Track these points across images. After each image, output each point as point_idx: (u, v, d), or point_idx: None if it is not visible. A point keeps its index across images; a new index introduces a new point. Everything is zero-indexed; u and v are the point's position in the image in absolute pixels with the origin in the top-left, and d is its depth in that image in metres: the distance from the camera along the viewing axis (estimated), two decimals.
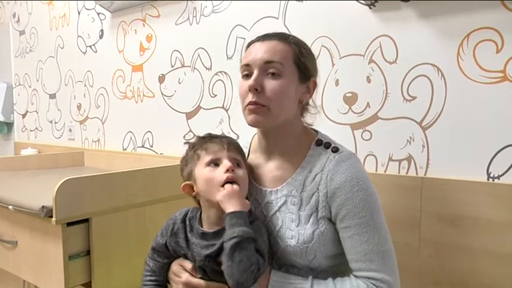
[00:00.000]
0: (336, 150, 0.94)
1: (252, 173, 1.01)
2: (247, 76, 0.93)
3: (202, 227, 0.92)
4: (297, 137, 0.97)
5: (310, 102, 1.00)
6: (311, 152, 0.95)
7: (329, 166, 0.90)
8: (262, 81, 0.90)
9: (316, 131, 1.01)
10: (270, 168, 0.98)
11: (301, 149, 0.96)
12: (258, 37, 0.96)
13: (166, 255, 0.98)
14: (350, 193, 0.87)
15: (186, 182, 0.94)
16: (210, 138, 0.95)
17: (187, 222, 0.95)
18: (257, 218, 0.93)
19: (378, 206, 0.89)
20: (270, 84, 0.89)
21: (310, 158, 0.94)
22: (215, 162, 0.90)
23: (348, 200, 0.87)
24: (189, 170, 0.94)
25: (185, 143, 1.00)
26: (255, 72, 0.90)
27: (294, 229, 0.90)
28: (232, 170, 0.88)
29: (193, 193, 0.93)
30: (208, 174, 0.89)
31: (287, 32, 1.21)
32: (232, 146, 0.93)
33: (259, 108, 0.90)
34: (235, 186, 0.86)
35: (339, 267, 0.94)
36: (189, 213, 0.97)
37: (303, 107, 0.99)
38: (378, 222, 0.88)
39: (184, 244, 0.93)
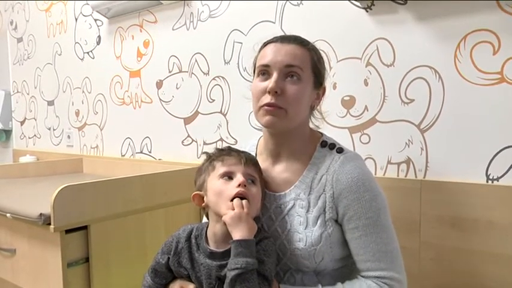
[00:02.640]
0: (340, 151, 0.94)
1: None
2: (263, 75, 0.92)
3: (208, 245, 0.89)
4: (303, 141, 0.98)
5: (319, 108, 1.01)
6: (316, 153, 0.96)
7: (334, 167, 0.91)
8: (282, 85, 0.90)
9: (321, 133, 1.02)
10: (277, 171, 0.98)
11: (306, 151, 0.97)
12: (275, 38, 0.95)
13: (165, 275, 0.95)
14: (357, 194, 0.87)
15: (197, 192, 0.93)
16: (228, 151, 0.93)
17: (193, 241, 0.91)
18: (269, 235, 0.90)
19: (384, 205, 0.90)
20: (290, 88, 0.89)
21: (316, 160, 0.95)
22: (229, 176, 0.88)
23: (354, 200, 0.87)
24: (202, 180, 0.92)
25: (203, 153, 0.98)
26: (275, 75, 0.90)
27: (302, 232, 0.90)
28: (245, 186, 0.85)
29: (203, 204, 0.91)
30: (220, 187, 0.87)
31: None
32: (249, 162, 0.91)
33: (277, 110, 0.89)
34: (245, 203, 0.83)
35: (343, 270, 0.94)
36: (194, 232, 0.93)
37: (311, 113, 1.00)
38: (384, 221, 0.88)
39: (189, 265, 0.90)
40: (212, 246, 0.88)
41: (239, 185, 0.85)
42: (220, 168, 0.89)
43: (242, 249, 0.78)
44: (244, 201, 0.83)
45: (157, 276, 0.96)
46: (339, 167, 0.90)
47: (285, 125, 0.91)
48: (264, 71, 0.92)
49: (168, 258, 0.93)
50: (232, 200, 0.83)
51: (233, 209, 0.82)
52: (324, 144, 0.97)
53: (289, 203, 0.93)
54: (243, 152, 0.94)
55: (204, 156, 0.98)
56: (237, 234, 0.80)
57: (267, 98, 0.89)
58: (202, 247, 0.89)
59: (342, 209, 0.89)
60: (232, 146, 0.98)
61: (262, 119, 0.92)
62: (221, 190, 0.86)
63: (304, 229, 0.90)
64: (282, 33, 1.43)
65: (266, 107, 0.90)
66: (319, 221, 0.89)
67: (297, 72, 0.90)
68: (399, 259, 0.89)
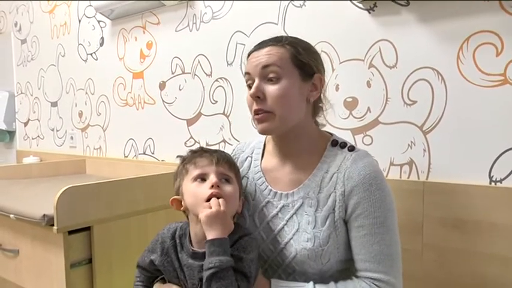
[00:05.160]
0: (352, 149, 0.94)
1: (268, 176, 1.00)
2: (250, 87, 0.93)
3: (192, 245, 0.90)
4: (311, 138, 0.97)
5: (323, 99, 0.98)
6: (327, 152, 0.95)
7: (346, 165, 0.90)
8: (263, 88, 0.90)
9: (331, 133, 1.01)
10: (286, 172, 0.97)
11: (316, 151, 0.96)
12: (254, 46, 0.96)
13: (150, 271, 0.96)
14: (367, 192, 0.87)
15: (174, 197, 0.93)
16: (200, 152, 0.93)
17: (178, 241, 0.92)
18: (249, 232, 0.90)
19: (392, 207, 0.89)
20: (270, 89, 0.89)
21: (326, 159, 0.94)
22: (202, 177, 0.88)
23: (364, 198, 0.87)
24: (178, 185, 0.93)
25: (177, 156, 0.98)
26: (256, 81, 0.91)
27: (310, 231, 0.89)
28: (218, 186, 0.85)
29: (182, 208, 0.91)
30: (194, 189, 0.87)
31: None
32: (222, 161, 0.91)
33: (266, 115, 0.90)
34: (221, 202, 0.83)
35: (347, 272, 0.92)
36: (177, 231, 0.93)
37: (315, 106, 0.97)
38: (391, 223, 0.88)
39: (177, 263, 0.90)
40: (195, 247, 0.89)
41: (212, 186, 0.85)
42: (193, 171, 0.89)
43: (215, 248, 0.79)
44: (221, 200, 0.83)
45: (141, 272, 0.97)
46: (350, 164, 0.89)
47: (279, 127, 0.91)
48: (249, 81, 0.94)
49: (151, 257, 0.94)
50: (208, 201, 0.84)
51: (210, 208, 0.82)
52: (334, 143, 0.96)
53: (297, 201, 0.92)
54: (216, 151, 0.94)
55: (179, 160, 0.97)
56: (211, 234, 0.80)
57: (255, 105, 0.91)
58: (186, 247, 0.90)
59: (351, 206, 0.88)
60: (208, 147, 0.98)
61: (257, 127, 0.93)
62: (196, 193, 0.87)
63: (313, 229, 0.89)
64: (285, 35, 1.44)
65: (256, 116, 0.91)
66: (328, 221, 0.89)
67: (274, 71, 0.89)
68: (399, 264, 0.88)
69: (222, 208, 0.82)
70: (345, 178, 0.89)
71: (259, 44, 0.95)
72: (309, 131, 0.97)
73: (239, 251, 0.83)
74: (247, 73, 0.94)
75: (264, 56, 0.91)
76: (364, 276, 0.87)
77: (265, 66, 0.90)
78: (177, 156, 0.98)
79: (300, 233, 0.90)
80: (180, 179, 0.92)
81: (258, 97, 0.90)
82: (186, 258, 0.88)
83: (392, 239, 0.87)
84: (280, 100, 0.89)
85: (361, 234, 0.87)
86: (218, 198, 0.84)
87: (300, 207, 0.92)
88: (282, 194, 0.95)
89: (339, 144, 0.96)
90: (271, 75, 0.90)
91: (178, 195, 0.92)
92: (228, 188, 0.88)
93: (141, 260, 0.97)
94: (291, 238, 0.91)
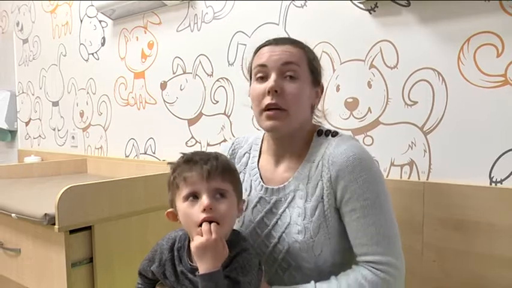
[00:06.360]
0: (335, 134, 0.94)
1: (262, 173, 1.00)
2: (262, 79, 0.92)
3: (190, 258, 0.85)
4: (305, 141, 0.97)
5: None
6: (313, 143, 0.95)
7: (329, 150, 0.89)
8: (281, 84, 0.89)
9: (320, 125, 1.01)
10: (279, 171, 0.98)
11: (306, 146, 0.96)
12: (268, 41, 0.95)
13: (152, 278, 0.94)
14: (353, 174, 0.85)
15: (170, 210, 0.88)
16: (191, 164, 0.83)
17: (176, 253, 0.87)
18: (247, 247, 0.84)
19: (382, 186, 0.88)
20: (290, 87, 0.89)
21: (313, 149, 0.94)
22: (194, 195, 0.81)
23: (351, 181, 0.85)
24: (171, 198, 0.87)
25: (168, 163, 0.89)
26: (273, 74, 0.89)
27: (301, 223, 0.88)
28: (210, 209, 0.78)
29: (178, 221, 0.87)
30: (187, 210, 0.81)
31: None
32: (214, 173, 0.81)
33: (279, 113, 0.89)
34: (213, 228, 0.76)
35: (345, 267, 0.90)
36: (176, 243, 0.89)
37: (312, 112, 0.99)
38: (383, 203, 0.86)
39: (173, 277, 0.86)
40: (194, 261, 0.83)
41: (204, 210, 0.78)
42: (183, 190, 0.82)
43: (206, 283, 0.75)
44: (212, 225, 0.77)
45: (142, 279, 0.97)
46: (333, 149, 0.89)
47: (288, 126, 0.90)
48: (261, 73, 0.92)
49: (151, 268, 0.92)
50: (200, 225, 0.78)
51: (202, 235, 0.77)
52: (320, 132, 0.96)
53: (289, 195, 0.93)
54: (208, 160, 0.83)
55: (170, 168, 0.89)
56: (202, 267, 0.76)
57: (267, 99, 0.89)
58: (184, 261, 0.86)
59: (339, 191, 0.86)
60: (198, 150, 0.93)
61: (264, 123, 0.91)
62: (188, 214, 0.81)
63: (303, 220, 0.88)
64: (286, 35, 1.44)
65: (268, 112, 0.89)
66: (317, 212, 0.88)
67: (295, 70, 0.89)
68: (397, 244, 0.86)
69: (213, 236, 0.75)
70: (329, 164, 0.88)
71: (275, 39, 0.94)
72: (304, 135, 0.97)
73: (237, 273, 0.79)
74: (262, 65, 0.91)
75: (284, 52, 0.90)
76: (363, 261, 0.86)
77: (286, 63, 0.89)
78: (168, 163, 0.90)
79: (292, 225, 0.90)
80: (172, 193, 0.86)
81: (276, 91, 0.88)
82: (186, 273, 0.84)
83: (387, 218, 0.86)
84: (296, 100, 0.89)
85: (354, 218, 0.86)
86: (211, 222, 0.78)
87: (292, 201, 0.92)
88: (273, 189, 0.95)
89: (324, 132, 0.96)
90: (289, 73, 0.89)
91: (173, 207, 0.87)
92: (222, 206, 0.80)
93: (142, 268, 0.95)
94: (283, 232, 0.91)
